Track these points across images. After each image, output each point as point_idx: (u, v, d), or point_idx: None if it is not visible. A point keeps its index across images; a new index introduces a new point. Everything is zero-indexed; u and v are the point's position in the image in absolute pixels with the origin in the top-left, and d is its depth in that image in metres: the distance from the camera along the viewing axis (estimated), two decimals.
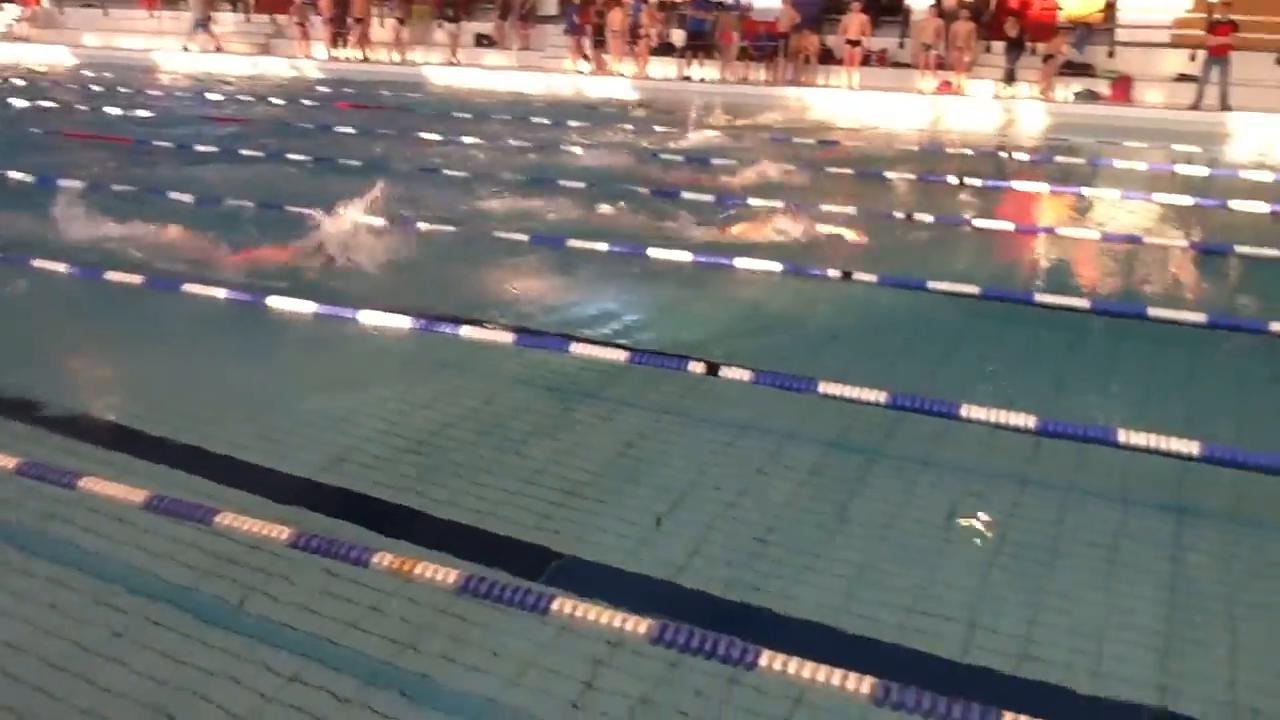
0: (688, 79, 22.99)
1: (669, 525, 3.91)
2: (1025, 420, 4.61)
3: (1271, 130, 16.81)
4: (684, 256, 7.53)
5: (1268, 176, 12.40)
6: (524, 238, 8.07)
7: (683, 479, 4.31)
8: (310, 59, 25.81)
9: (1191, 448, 4.34)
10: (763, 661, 2.87)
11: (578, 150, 13.38)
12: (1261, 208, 9.84)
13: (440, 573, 3.30)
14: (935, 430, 4.75)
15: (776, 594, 3.51)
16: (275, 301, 6.19)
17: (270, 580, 3.46)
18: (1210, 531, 4.09)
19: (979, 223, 9.17)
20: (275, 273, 6.88)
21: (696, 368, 5.16)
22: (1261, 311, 6.71)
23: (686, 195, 9.92)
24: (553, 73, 23.85)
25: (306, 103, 18.47)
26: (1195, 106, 18.14)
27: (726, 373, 5.10)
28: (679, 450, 4.62)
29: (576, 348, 5.46)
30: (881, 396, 4.80)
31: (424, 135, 13.96)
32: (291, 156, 11.86)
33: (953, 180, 11.19)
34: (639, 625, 3.03)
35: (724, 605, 3.47)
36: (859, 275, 7.08)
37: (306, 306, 6.10)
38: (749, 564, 3.68)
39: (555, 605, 3.14)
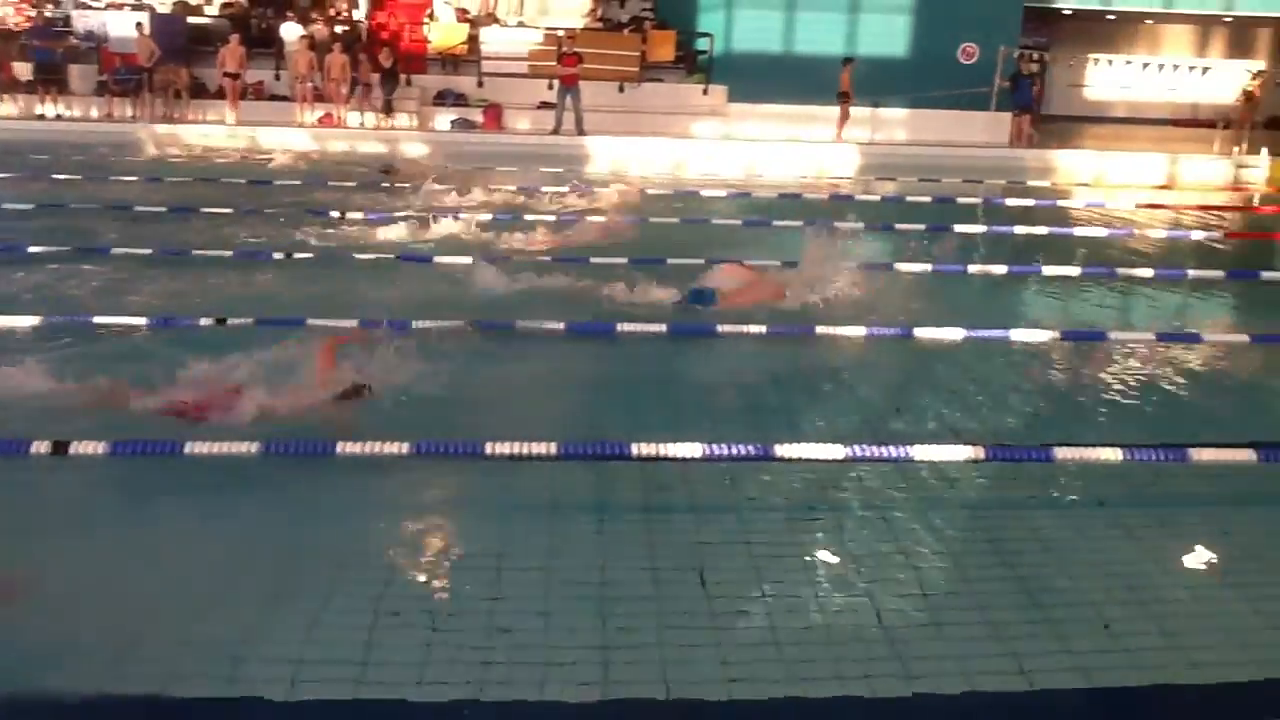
0: (41, 117, 20.70)
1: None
2: (400, 447, 4.68)
3: (620, 150, 18.95)
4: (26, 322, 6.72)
5: (619, 189, 13.97)
6: None
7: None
8: None
9: (550, 448, 4.69)
10: None
11: None
12: (598, 219, 11.12)
13: None
14: (312, 470, 4.67)
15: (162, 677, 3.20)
16: None
17: None
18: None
19: (361, 255, 9.22)
20: None
21: (41, 448, 4.55)
22: (614, 313, 7.43)
23: (33, 249, 8.90)
24: None
25: None
26: (556, 131, 19.94)
27: (78, 449, 4.56)
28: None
29: None
30: (254, 448, 4.61)
31: None
32: None
33: (334, 214, 11.17)
34: None
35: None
36: (233, 321, 6.81)
37: None
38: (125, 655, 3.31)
39: None
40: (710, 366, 6.82)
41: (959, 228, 12.07)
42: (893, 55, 21.31)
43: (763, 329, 7.00)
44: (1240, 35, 27.34)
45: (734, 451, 4.74)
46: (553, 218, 11.45)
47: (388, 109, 20.66)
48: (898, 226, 11.81)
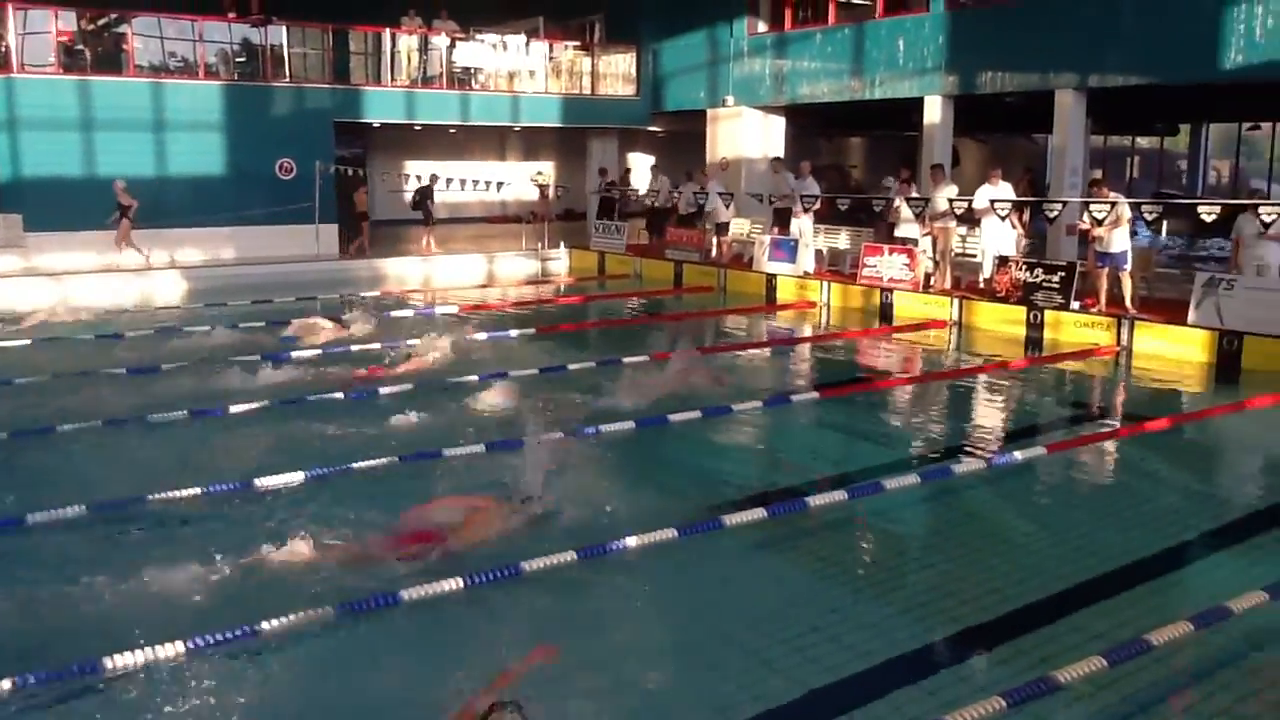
0: None
1: None
2: None
3: None
4: None
5: None
6: None
7: None
8: None
9: None
10: None
11: None
12: None
13: None
14: None
15: None
16: None
17: None
18: None
19: None
20: None
21: None
22: None
23: None
24: None
25: None
26: None
27: None
28: None
29: None
30: None
31: None
32: None
33: None
34: None
35: None
36: None
37: None
38: None
39: None
40: None
41: (295, 354, 11.92)
42: (209, 174, 20.61)
43: None
44: (531, 141, 30.80)
45: None
46: None
47: None
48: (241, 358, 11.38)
